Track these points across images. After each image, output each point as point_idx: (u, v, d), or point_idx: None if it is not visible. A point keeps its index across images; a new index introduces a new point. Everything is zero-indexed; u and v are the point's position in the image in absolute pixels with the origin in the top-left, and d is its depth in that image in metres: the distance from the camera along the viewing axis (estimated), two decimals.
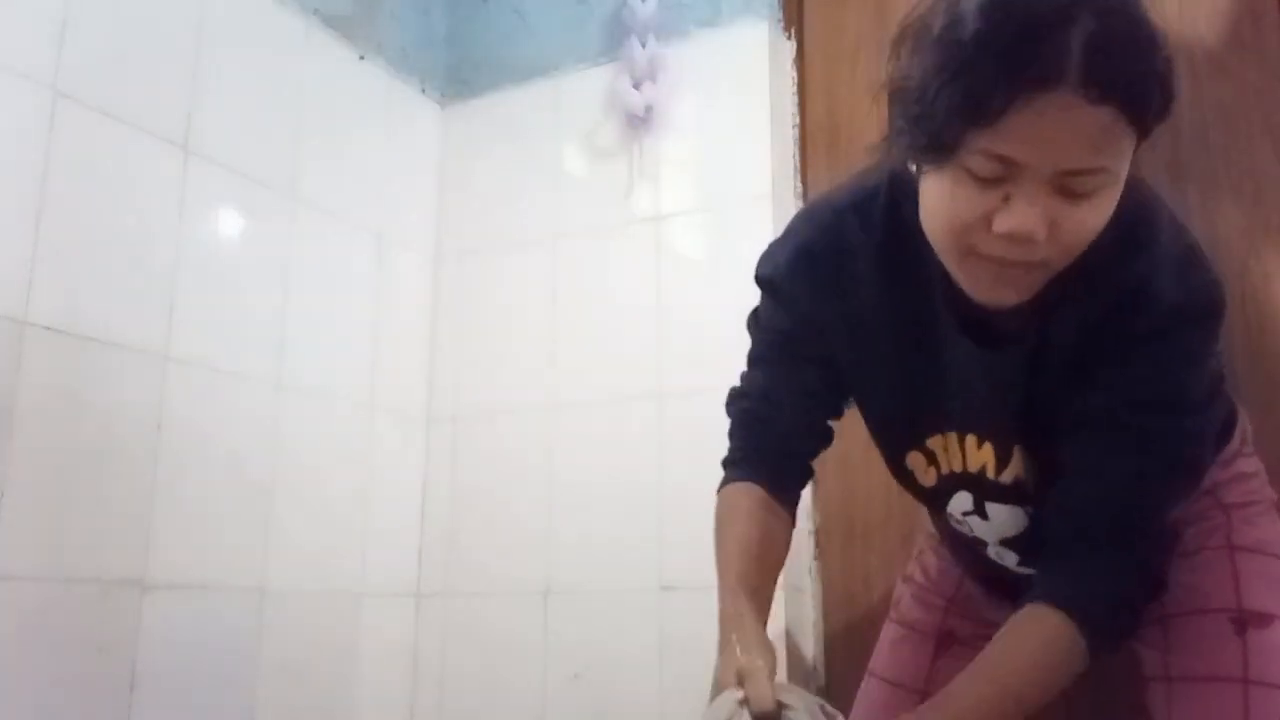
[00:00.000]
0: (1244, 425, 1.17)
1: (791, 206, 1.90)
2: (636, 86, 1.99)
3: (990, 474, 1.02)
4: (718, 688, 0.90)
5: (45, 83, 1.49)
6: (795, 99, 1.96)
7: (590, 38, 2.12)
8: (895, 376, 1.03)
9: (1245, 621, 1.02)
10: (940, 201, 0.86)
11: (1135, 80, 0.78)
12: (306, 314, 1.87)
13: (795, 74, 1.97)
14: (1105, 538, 0.92)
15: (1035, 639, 0.92)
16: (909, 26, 0.87)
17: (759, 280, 1.11)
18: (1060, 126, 0.77)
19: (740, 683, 0.88)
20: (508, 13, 2.25)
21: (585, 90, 2.09)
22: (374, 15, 2.11)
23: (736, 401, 1.12)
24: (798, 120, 1.95)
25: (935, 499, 1.10)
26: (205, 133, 1.71)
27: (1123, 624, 0.95)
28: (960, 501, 1.07)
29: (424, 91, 2.23)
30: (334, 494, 1.90)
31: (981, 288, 0.88)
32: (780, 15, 1.97)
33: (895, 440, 1.09)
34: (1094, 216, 0.83)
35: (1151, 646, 1.07)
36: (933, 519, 1.23)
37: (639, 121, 2.00)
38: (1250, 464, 1.15)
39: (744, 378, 1.12)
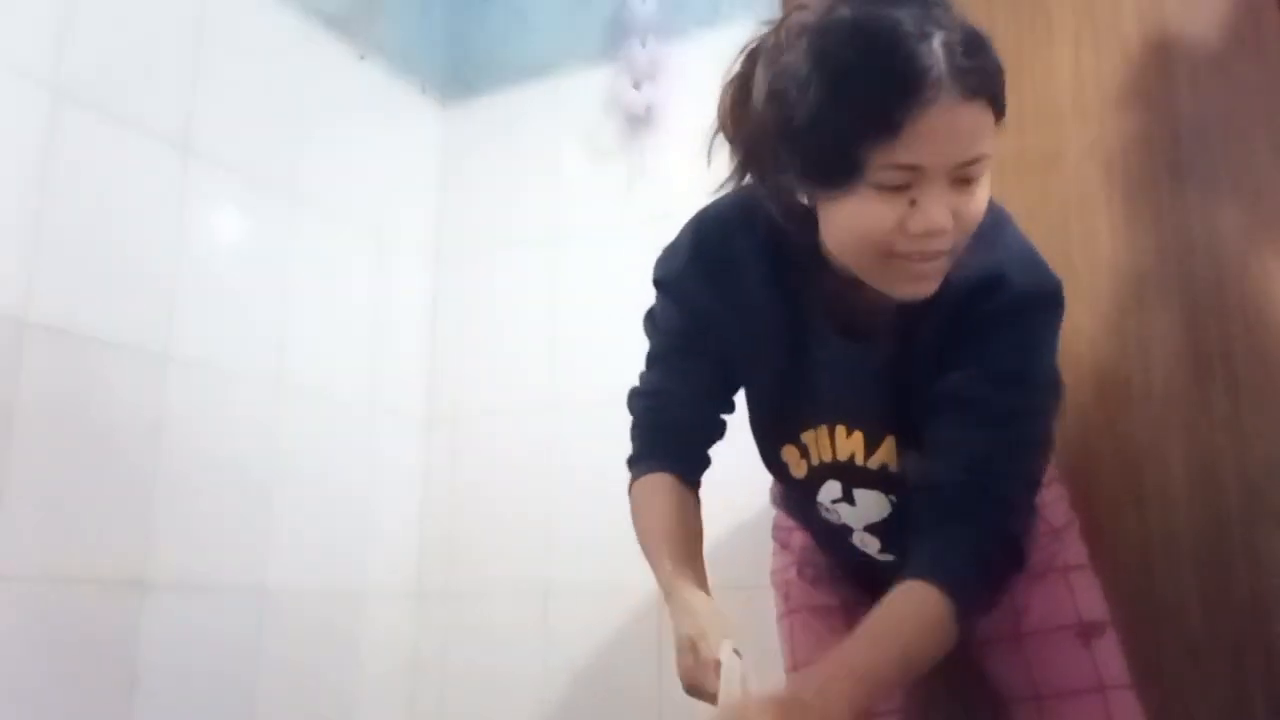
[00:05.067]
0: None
1: None
2: (636, 86, 1.99)
3: (859, 460, 1.09)
4: (686, 644, 0.99)
5: (45, 83, 1.49)
6: None
7: (590, 38, 2.12)
8: (775, 373, 1.11)
9: (1088, 633, 1.18)
10: (854, 220, 0.93)
11: (989, 73, 0.90)
12: (306, 314, 1.88)
13: None
14: (967, 511, 0.97)
15: (912, 612, 0.95)
16: (753, 75, 0.99)
17: (656, 282, 1.19)
18: (950, 127, 0.87)
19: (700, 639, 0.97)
20: (508, 13, 2.25)
21: (585, 90, 2.09)
22: (374, 15, 2.11)
23: (636, 400, 1.20)
24: None
25: (806, 489, 1.16)
26: (204, 133, 1.71)
27: (988, 593, 1.00)
28: (829, 489, 1.13)
29: (424, 91, 2.23)
30: (334, 494, 1.90)
31: (904, 285, 0.96)
32: (780, 15, 1.97)
33: (773, 434, 1.16)
34: (983, 197, 0.94)
35: (1013, 668, 1.21)
36: (798, 511, 1.29)
37: (639, 121, 2.00)
38: (1060, 487, 1.28)
39: (642, 378, 1.20)
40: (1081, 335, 1.60)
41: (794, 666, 1.30)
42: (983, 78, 0.88)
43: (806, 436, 1.12)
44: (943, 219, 0.90)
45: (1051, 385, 1.03)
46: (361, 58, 2.07)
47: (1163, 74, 1.64)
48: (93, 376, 1.51)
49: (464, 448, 2.08)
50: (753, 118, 0.98)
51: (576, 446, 1.96)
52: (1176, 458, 1.52)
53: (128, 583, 1.52)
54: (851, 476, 1.11)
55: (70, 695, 1.43)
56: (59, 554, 1.43)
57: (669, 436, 1.17)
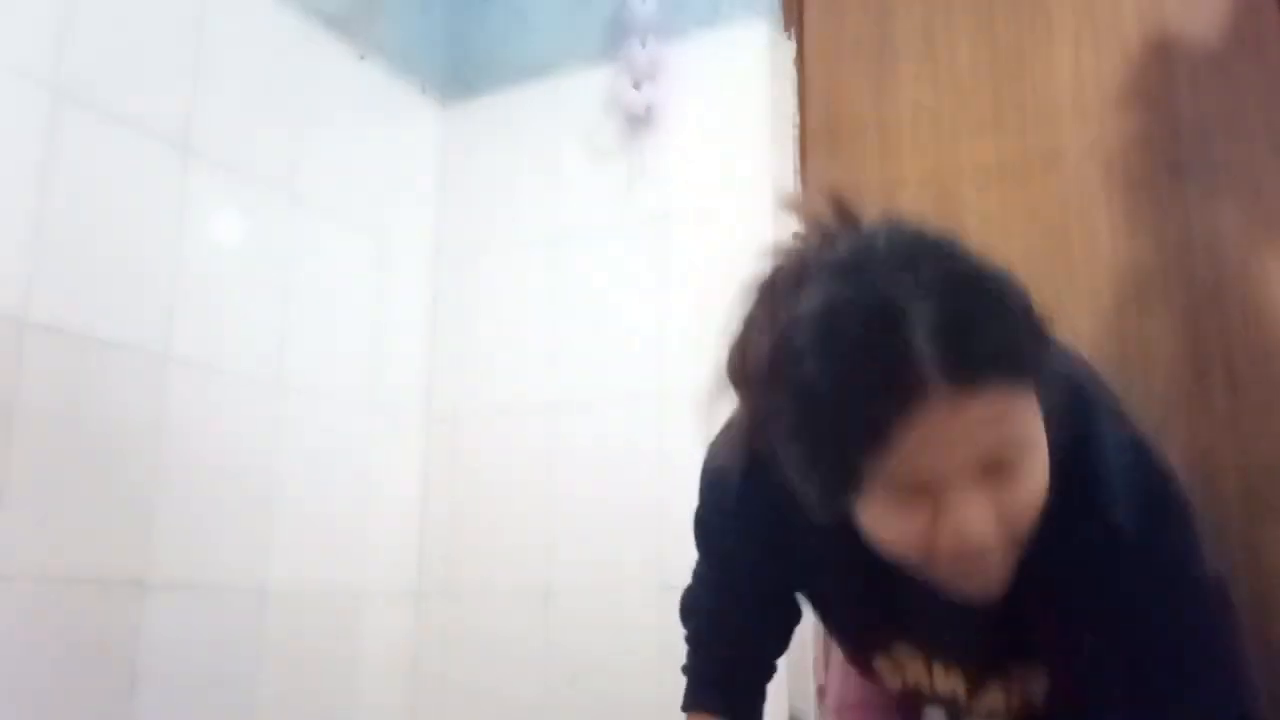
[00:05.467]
0: None
1: None
2: (636, 86, 1.99)
3: (962, 699, 0.97)
4: None
5: (45, 83, 1.49)
6: (795, 99, 1.96)
7: (590, 38, 2.12)
8: (854, 605, 0.97)
9: None
10: (875, 527, 0.77)
11: (1003, 348, 0.70)
12: (306, 314, 1.88)
13: (795, 74, 1.97)
14: None
15: None
16: (745, 361, 0.81)
17: (696, 536, 1.06)
18: (951, 429, 0.69)
19: None
20: (508, 13, 2.25)
21: (585, 90, 2.09)
22: (374, 15, 2.11)
23: (692, 618, 1.10)
24: (798, 120, 1.95)
25: (905, 702, 1.05)
26: (205, 133, 1.71)
27: None
28: (934, 716, 1.04)
29: (424, 91, 2.23)
30: (334, 494, 1.90)
31: (960, 587, 0.80)
32: (780, 15, 1.97)
33: (859, 648, 1.04)
34: (1034, 479, 0.75)
35: None
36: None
37: (639, 121, 2.00)
38: None
39: (696, 594, 1.10)
40: (1081, 335, 1.60)
41: (845, 703, 1.24)
42: (991, 358, 0.69)
43: (900, 654, 0.98)
44: (978, 525, 0.72)
45: (1217, 592, 0.85)
46: (361, 58, 2.07)
47: (1163, 74, 1.64)
48: (93, 376, 1.50)
49: (464, 448, 2.08)
50: (750, 401, 0.82)
51: (577, 446, 1.96)
52: (1176, 458, 1.52)
53: (128, 583, 1.52)
54: (957, 709, 0.98)
55: (70, 695, 1.42)
56: (59, 554, 1.43)
57: (729, 665, 1.07)
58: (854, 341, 0.70)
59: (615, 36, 2.06)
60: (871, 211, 0.81)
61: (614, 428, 1.94)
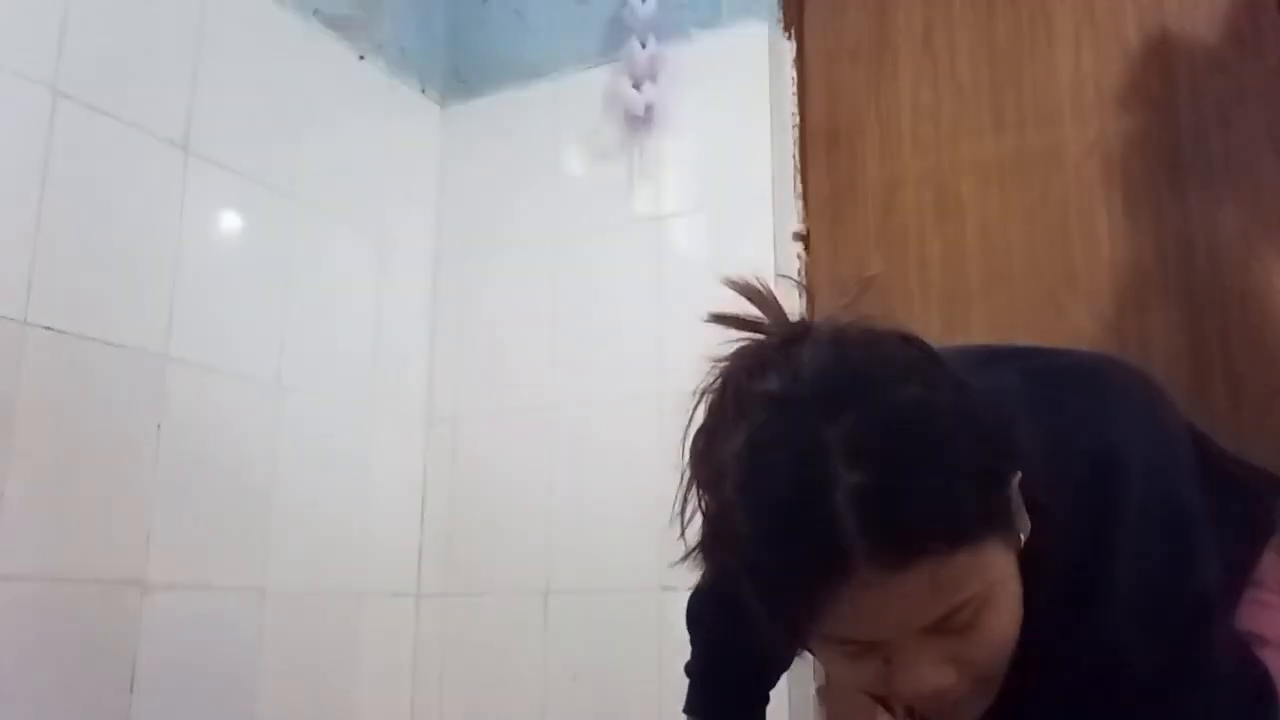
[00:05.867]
0: None
1: (791, 206, 1.90)
2: (636, 86, 1.99)
3: None
4: None
5: (45, 83, 1.49)
6: (795, 99, 1.96)
7: (590, 38, 2.12)
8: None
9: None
10: (830, 670, 0.75)
11: (937, 518, 0.63)
12: (306, 314, 1.87)
13: (795, 74, 1.97)
14: None
15: None
16: (692, 480, 0.78)
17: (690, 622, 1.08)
18: (884, 603, 0.63)
19: None
20: (508, 13, 2.25)
21: (585, 90, 2.09)
22: (374, 15, 2.11)
23: (699, 629, 1.10)
24: (798, 120, 1.95)
25: None
26: (205, 133, 1.71)
27: None
28: None
29: (424, 91, 2.23)
30: (334, 494, 1.90)
31: (932, 716, 0.76)
32: (780, 16, 1.97)
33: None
34: (996, 625, 0.69)
35: None
36: None
37: (639, 121, 2.00)
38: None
39: (701, 607, 1.09)
40: (1082, 335, 1.60)
41: None
42: (922, 532, 0.62)
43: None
44: (931, 680, 0.67)
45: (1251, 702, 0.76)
46: (361, 58, 2.07)
47: (1163, 74, 1.65)
48: (93, 376, 1.50)
49: (464, 448, 2.08)
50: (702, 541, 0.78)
51: (576, 447, 1.96)
52: None
53: (128, 583, 1.52)
54: None
55: (70, 695, 1.42)
56: (59, 554, 1.43)
57: (731, 687, 1.07)
58: (777, 505, 0.65)
59: (615, 36, 2.06)
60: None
61: (613, 428, 1.93)
